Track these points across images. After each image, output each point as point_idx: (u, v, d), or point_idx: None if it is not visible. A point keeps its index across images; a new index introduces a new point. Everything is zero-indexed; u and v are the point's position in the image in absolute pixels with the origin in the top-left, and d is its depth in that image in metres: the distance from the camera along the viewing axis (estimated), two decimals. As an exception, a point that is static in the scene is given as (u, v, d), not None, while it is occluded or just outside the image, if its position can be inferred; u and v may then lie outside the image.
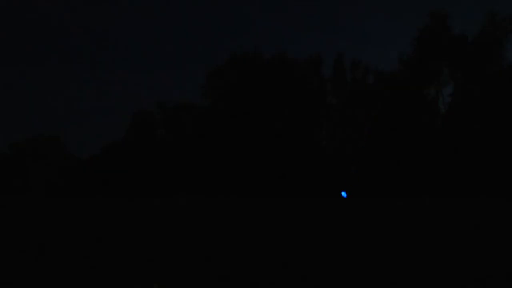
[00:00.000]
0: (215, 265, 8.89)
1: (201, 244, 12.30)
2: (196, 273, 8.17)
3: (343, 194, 52.11)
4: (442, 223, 17.99)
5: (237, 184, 66.16)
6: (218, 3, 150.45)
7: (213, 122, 71.91)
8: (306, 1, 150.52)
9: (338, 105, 70.48)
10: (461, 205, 33.87)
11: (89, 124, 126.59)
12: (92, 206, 44.69)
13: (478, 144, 54.72)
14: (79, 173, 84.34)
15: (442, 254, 9.83)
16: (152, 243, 12.58)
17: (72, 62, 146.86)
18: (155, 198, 59.71)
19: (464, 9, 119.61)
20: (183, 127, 78.09)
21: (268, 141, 67.35)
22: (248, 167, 66.54)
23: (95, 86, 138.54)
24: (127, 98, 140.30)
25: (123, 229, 17.36)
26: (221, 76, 73.38)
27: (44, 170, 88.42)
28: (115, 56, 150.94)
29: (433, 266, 8.50)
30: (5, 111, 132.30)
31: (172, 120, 79.04)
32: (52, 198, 63.57)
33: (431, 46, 61.15)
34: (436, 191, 53.82)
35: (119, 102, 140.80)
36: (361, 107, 65.94)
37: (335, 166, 64.10)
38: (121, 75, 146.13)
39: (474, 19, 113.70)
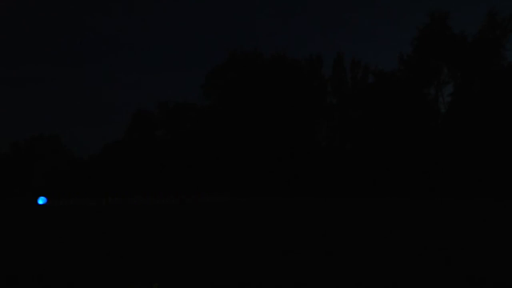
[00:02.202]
0: (215, 265, 8.89)
1: (201, 243, 12.30)
2: (196, 273, 8.17)
3: (40, 200, 50.81)
4: (442, 223, 17.99)
5: (237, 183, 66.17)
6: (218, 3, 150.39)
7: (213, 122, 71.90)
8: (306, 1, 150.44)
9: (338, 105, 70.52)
10: (461, 205, 33.86)
11: (89, 124, 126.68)
12: (92, 206, 44.70)
13: (478, 143, 54.69)
14: (79, 173, 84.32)
15: (442, 255, 9.83)
16: (152, 243, 12.58)
17: (72, 62, 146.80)
18: (155, 198, 59.68)
19: (464, 9, 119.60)
20: (183, 127, 78.09)
21: (268, 141, 67.36)
22: (248, 166, 66.56)
23: (95, 86, 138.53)
24: (127, 98, 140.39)
25: (123, 229, 17.36)
26: (221, 76, 73.38)
27: (44, 170, 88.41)
28: (115, 56, 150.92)
29: (433, 267, 8.50)
30: (5, 111, 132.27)
31: (172, 120, 79.04)
32: (52, 198, 63.51)
33: (431, 46, 61.17)
34: (436, 191, 53.80)
35: (119, 102, 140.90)
36: (361, 107, 65.92)
37: (335, 166, 64.09)
38: (122, 75, 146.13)
39: (474, 19, 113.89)
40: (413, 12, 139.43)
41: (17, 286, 7.35)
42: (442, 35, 61.35)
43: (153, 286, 7.11)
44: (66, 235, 15.23)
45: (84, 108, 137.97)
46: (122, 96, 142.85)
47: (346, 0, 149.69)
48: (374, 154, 61.01)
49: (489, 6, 71.25)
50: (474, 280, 7.28)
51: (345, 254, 10.05)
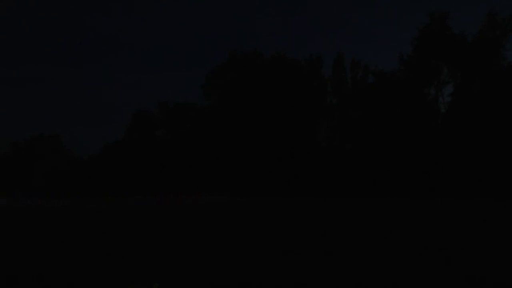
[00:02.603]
0: (215, 265, 8.89)
1: (201, 243, 12.29)
2: (196, 273, 8.17)
3: None
4: (442, 223, 17.98)
5: (237, 183, 66.16)
6: (218, 3, 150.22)
7: (213, 122, 71.89)
8: (306, 1, 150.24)
9: (338, 105, 70.53)
10: (461, 205, 33.85)
11: (89, 124, 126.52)
12: (92, 206, 44.68)
13: (478, 143, 54.67)
14: (79, 173, 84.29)
15: (442, 255, 9.83)
16: (152, 243, 12.58)
17: (72, 62, 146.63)
18: (155, 198, 59.68)
19: (464, 9, 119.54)
20: (183, 127, 78.07)
21: (268, 140, 67.34)
22: (248, 166, 66.54)
23: (95, 86, 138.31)
24: (127, 98, 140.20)
25: (123, 229, 17.35)
26: (221, 76, 73.36)
27: (44, 170, 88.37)
28: (115, 56, 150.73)
29: (433, 267, 8.50)
30: (5, 111, 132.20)
31: (172, 120, 79.01)
32: (52, 198, 63.52)
33: (431, 46, 61.15)
34: (436, 191, 53.79)
35: (119, 102, 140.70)
36: (361, 107, 65.90)
37: (335, 166, 64.06)
38: (122, 75, 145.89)
39: (474, 19, 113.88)
40: (413, 12, 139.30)
41: (17, 286, 7.35)
42: (442, 35, 61.33)
43: (153, 286, 7.11)
44: (66, 235, 15.23)
45: (84, 108, 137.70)
46: (122, 96, 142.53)
47: (346, 0, 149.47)
48: (374, 154, 60.98)
49: (489, 6, 71.28)
50: (474, 280, 7.28)
51: (345, 254, 10.05)
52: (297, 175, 64.44)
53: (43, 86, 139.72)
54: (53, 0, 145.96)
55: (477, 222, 18.39)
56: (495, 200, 40.84)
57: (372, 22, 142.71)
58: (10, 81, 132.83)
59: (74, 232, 16.53)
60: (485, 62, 58.73)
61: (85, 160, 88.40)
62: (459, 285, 6.99)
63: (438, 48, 60.95)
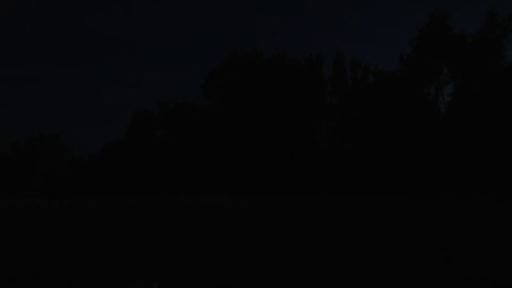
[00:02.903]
0: (215, 265, 8.89)
1: (201, 243, 12.29)
2: (196, 273, 8.17)
3: None
4: (442, 223, 17.98)
5: (237, 183, 66.14)
6: (218, 3, 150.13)
7: (213, 122, 71.87)
8: (306, 1, 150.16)
9: (338, 105, 70.52)
10: (461, 205, 33.83)
11: (89, 124, 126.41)
12: (92, 206, 44.66)
13: (478, 143, 54.66)
14: (79, 173, 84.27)
15: (442, 255, 9.82)
16: (152, 243, 12.58)
17: (72, 62, 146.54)
18: (155, 198, 59.65)
19: (464, 9, 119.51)
20: (183, 127, 78.05)
21: (268, 140, 67.33)
22: (248, 166, 66.53)
23: (95, 86, 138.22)
24: (127, 98, 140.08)
25: (123, 229, 17.35)
26: (221, 76, 73.34)
27: (44, 170, 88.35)
28: (115, 56, 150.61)
29: (433, 267, 8.50)
30: (5, 111, 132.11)
31: (172, 120, 78.99)
32: (52, 198, 63.49)
33: (431, 46, 61.13)
34: (436, 191, 53.77)
35: (119, 102, 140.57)
36: (361, 107, 65.88)
37: (335, 166, 64.04)
38: (122, 75, 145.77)
39: (474, 19, 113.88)
40: (413, 12, 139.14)
41: (17, 286, 7.34)
42: (442, 35, 61.31)
43: (153, 286, 7.10)
44: (66, 235, 15.22)
45: (84, 108, 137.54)
46: (122, 96, 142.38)
47: (346, 0, 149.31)
48: (374, 154, 60.95)
49: (489, 6, 71.22)
50: (474, 280, 7.28)
51: (345, 254, 10.05)
52: (297, 175, 64.41)
53: (43, 86, 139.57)
54: (53, 0, 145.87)
55: (477, 222, 18.39)
56: (495, 200, 40.84)
57: (372, 22, 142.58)
58: (10, 81, 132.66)
59: (74, 232, 16.53)
60: (485, 62, 58.71)
61: (85, 160, 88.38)
62: (459, 285, 6.99)
63: (438, 48, 60.93)
